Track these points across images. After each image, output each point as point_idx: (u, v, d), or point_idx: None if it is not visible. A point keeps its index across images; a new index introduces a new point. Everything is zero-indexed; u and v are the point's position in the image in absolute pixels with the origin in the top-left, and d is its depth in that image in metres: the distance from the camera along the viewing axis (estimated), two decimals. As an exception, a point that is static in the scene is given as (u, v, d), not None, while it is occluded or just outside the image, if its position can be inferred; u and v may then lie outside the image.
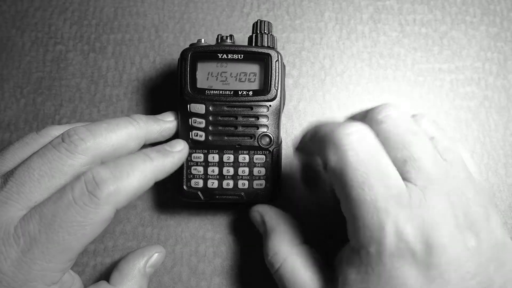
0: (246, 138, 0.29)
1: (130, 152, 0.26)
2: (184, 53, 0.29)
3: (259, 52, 0.28)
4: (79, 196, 0.22)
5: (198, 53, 0.29)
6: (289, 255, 0.26)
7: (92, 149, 0.24)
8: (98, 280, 0.31)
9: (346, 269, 0.23)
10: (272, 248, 0.27)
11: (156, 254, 0.29)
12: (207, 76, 0.29)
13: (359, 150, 0.21)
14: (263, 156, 0.29)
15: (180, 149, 0.27)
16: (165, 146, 0.27)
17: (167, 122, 0.29)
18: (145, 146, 0.30)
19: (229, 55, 0.28)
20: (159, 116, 0.29)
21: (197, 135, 0.29)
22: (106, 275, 0.30)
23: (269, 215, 0.29)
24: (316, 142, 0.24)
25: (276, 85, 0.28)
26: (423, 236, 0.20)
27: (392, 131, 0.23)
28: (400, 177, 0.21)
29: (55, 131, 0.26)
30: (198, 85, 0.29)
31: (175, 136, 0.29)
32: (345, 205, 0.22)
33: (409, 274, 0.20)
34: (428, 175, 0.21)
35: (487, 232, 0.21)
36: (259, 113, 0.29)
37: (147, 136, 0.27)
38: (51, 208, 0.22)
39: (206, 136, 0.29)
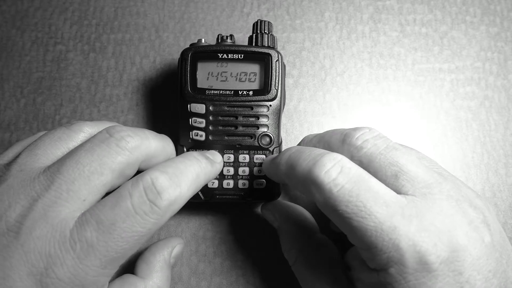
0: (246, 138, 0.29)
1: (158, 162, 0.25)
2: (184, 53, 0.29)
3: (259, 52, 0.28)
4: (139, 204, 0.21)
5: (198, 53, 0.28)
6: (304, 248, 0.26)
7: (141, 149, 0.23)
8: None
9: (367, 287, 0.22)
10: (287, 243, 0.27)
11: (178, 245, 0.29)
12: (207, 76, 0.29)
13: (344, 182, 0.20)
14: (263, 156, 0.29)
15: (220, 160, 0.26)
16: (208, 155, 0.26)
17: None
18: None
19: (229, 55, 0.28)
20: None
21: (197, 135, 0.29)
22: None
23: (279, 210, 0.29)
24: (295, 183, 0.23)
25: (276, 85, 0.28)
26: (443, 242, 0.19)
27: (374, 153, 0.22)
28: (394, 192, 0.21)
29: (88, 127, 0.25)
30: (199, 85, 0.29)
31: (175, 138, 0.29)
32: (352, 237, 0.21)
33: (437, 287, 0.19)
34: (424, 182, 0.21)
35: (493, 223, 0.21)
36: (259, 113, 0.29)
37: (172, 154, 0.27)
38: (108, 215, 0.20)
39: (207, 136, 0.29)
